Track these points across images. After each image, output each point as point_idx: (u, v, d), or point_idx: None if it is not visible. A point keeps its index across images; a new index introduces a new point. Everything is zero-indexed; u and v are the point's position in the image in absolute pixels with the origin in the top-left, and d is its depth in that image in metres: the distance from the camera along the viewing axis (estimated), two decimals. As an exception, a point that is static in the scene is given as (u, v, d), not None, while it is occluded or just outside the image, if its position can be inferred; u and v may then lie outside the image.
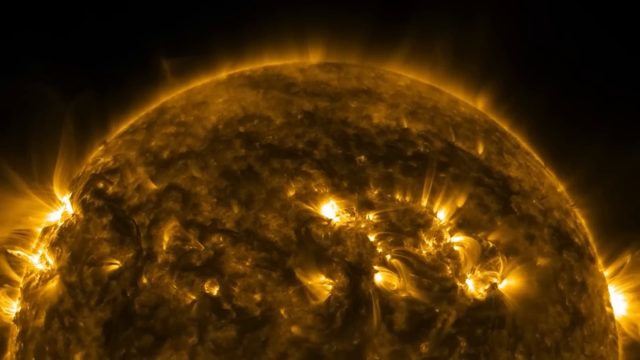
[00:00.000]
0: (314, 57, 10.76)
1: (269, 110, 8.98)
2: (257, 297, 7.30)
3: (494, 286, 7.82)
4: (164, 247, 7.76)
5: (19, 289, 9.24)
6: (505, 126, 10.60)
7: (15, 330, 9.10)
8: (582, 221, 10.08)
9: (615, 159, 10.11)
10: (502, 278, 7.91)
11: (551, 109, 10.84)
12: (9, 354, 9.30)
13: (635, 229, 9.70)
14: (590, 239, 9.94)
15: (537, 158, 10.45)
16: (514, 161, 9.47)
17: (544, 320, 8.03)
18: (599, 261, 9.74)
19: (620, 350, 9.50)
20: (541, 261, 8.31)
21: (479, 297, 7.69)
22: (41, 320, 8.36)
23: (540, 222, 8.70)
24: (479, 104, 10.67)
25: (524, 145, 10.50)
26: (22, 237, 9.48)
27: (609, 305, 9.44)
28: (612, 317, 9.44)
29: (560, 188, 10.09)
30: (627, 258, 9.56)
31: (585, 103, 11.01)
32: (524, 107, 10.60)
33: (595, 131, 10.59)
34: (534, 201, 8.89)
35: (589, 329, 8.57)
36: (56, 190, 9.67)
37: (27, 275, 9.20)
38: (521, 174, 9.28)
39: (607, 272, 9.73)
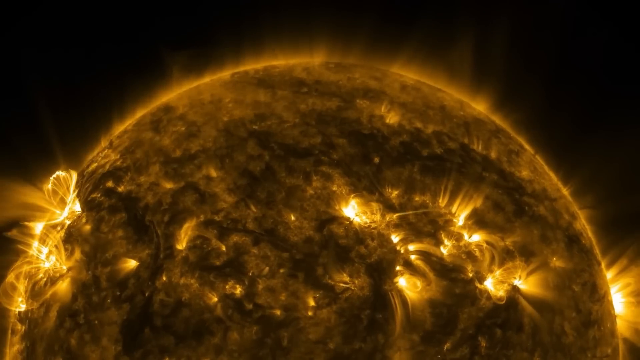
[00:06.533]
0: (317, 57, 10.72)
1: (280, 110, 8.91)
2: (281, 297, 7.26)
3: (513, 287, 7.87)
4: (183, 247, 7.66)
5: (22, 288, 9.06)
6: (507, 128, 10.67)
7: (19, 328, 8.94)
8: (585, 223, 10.19)
9: (616, 159, 10.24)
10: (521, 279, 7.96)
11: (551, 109, 10.93)
12: (9, 353, 9.14)
13: (636, 231, 9.83)
14: (594, 241, 10.05)
15: (540, 160, 10.53)
16: (522, 162, 9.53)
17: (560, 322, 8.11)
18: (603, 263, 9.86)
19: (621, 351, 9.63)
20: (556, 263, 8.39)
21: (498, 297, 7.73)
22: (52, 320, 8.21)
23: (552, 223, 8.78)
24: (480, 105, 10.72)
25: (527, 146, 10.58)
26: (22, 235, 9.33)
27: (613, 307, 9.56)
28: (615, 318, 9.56)
29: (564, 190, 10.18)
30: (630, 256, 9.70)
31: (585, 103, 11.08)
32: (524, 108, 10.68)
33: (596, 132, 10.70)
34: (545, 203, 8.97)
35: (600, 330, 8.67)
36: (58, 188, 9.52)
37: (31, 274, 9.01)
38: (531, 175, 9.35)
39: (609, 274, 9.85)
